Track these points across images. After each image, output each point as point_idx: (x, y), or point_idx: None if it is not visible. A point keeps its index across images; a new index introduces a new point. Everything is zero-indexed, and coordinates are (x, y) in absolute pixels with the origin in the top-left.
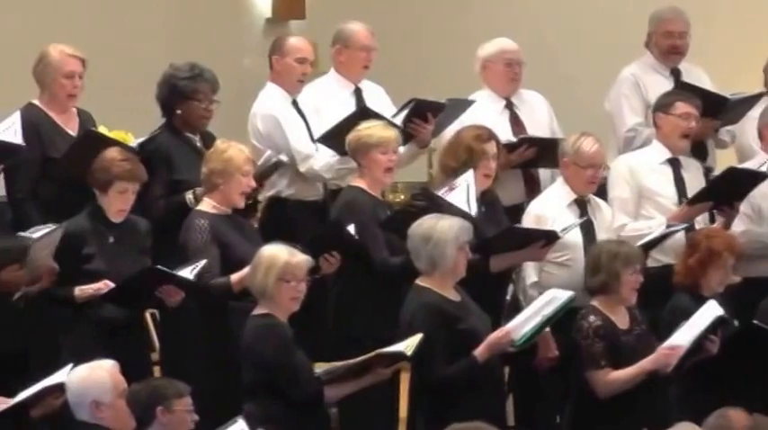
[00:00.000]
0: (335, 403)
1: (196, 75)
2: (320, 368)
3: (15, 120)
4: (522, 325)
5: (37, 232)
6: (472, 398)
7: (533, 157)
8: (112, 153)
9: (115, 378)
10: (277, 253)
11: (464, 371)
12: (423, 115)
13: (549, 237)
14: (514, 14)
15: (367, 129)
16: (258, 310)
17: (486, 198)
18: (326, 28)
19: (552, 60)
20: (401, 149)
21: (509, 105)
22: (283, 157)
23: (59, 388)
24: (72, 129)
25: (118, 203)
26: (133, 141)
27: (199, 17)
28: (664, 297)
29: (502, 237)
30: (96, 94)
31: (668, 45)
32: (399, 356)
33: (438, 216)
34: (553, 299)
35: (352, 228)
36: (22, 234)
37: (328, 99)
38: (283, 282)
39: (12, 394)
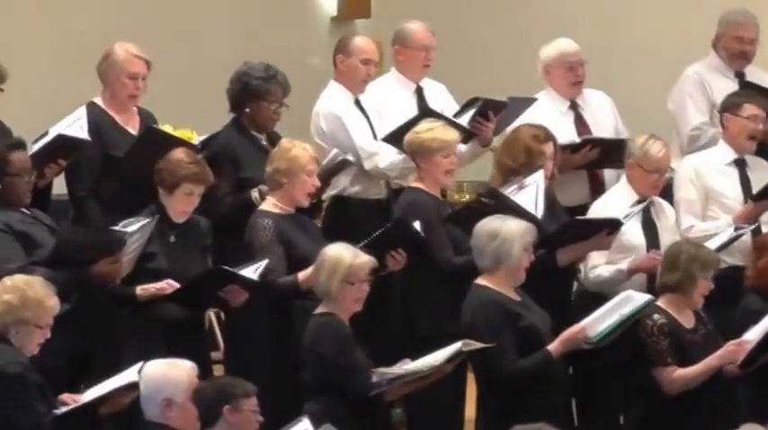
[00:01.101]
0: (401, 403)
1: (270, 76)
2: (377, 373)
3: (81, 114)
4: (597, 322)
5: (130, 226)
6: (538, 398)
7: (597, 158)
8: (180, 154)
9: (192, 379)
10: (341, 254)
11: (537, 365)
12: (485, 113)
13: (613, 225)
14: (576, 12)
15: (427, 131)
16: (320, 309)
17: (545, 198)
18: (392, 27)
19: (614, 59)
20: (463, 148)
21: (573, 106)
22: (349, 157)
23: (131, 387)
24: (133, 128)
25: (182, 205)
26: (196, 139)
27: (264, 16)
28: (730, 299)
29: (565, 231)
30: (163, 92)
31: (738, 50)
32: (456, 355)
33: (505, 217)
34: (630, 299)
35: (417, 225)
36: (114, 227)
37: (390, 98)
38: (347, 283)
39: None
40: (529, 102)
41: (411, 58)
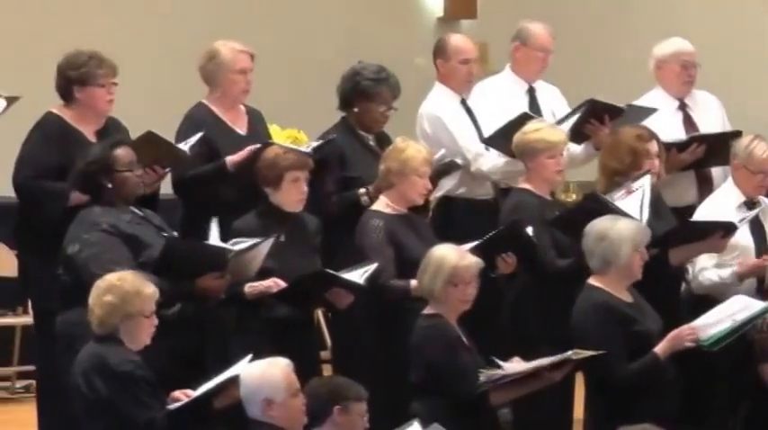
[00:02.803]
0: (509, 403)
1: (381, 78)
2: (484, 374)
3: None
4: (710, 325)
5: (238, 244)
6: (647, 400)
7: (704, 156)
8: (274, 150)
9: (289, 377)
10: (446, 255)
11: (646, 368)
12: (600, 116)
13: (728, 228)
14: (689, 14)
15: (534, 132)
16: (427, 310)
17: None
18: (498, 27)
19: (721, 60)
20: (577, 149)
21: (682, 106)
22: (458, 159)
23: (237, 379)
24: (241, 128)
25: (294, 193)
26: (308, 143)
27: (371, 16)
28: None
29: (679, 232)
30: (269, 91)
31: None
32: (565, 361)
33: (616, 217)
34: (746, 305)
35: (530, 230)
36: (222, 245)
37: (501, 97)
38: (451, 285)
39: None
40: (648, 112)
41: (529, 57)
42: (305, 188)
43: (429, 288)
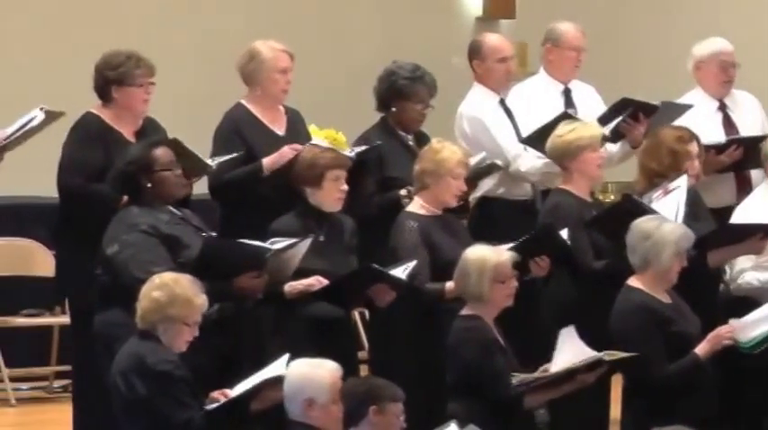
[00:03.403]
0: (545, 404)
1: (417, 77)
2: (517, 377)
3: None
4: (751, 327)
5: (277, 243)
6: (688, 400)
7: (741, 159)
8: (311, 150)
9: (335, 381)
10: (485, 255)
11: (686, 369)
12: (635, 115)
13: (767, 230)
14: (729, 13)
15: (571, 132)
16: (465, 311)
17: (688, 196)
18: (537, 27)
19: (762, 61)
20: (613, 149)
21: (722, 107)
22: (498, 161)
23: (278, 380)
24: (279, 128)
25: (334, 192)
26: (350, 148)
27: (410, 16)
28: None
29: (719, 233)
30: (308, 92)
31: None
32: (596, 364)
33: (663, 218)
34: None
35: (564, 233)
36: (260, 244)
37: (537, 98)
38: (497, 283)
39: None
40: (683, 108)
41: (561, 57)
42: (345, 186)
43: (476, 290)
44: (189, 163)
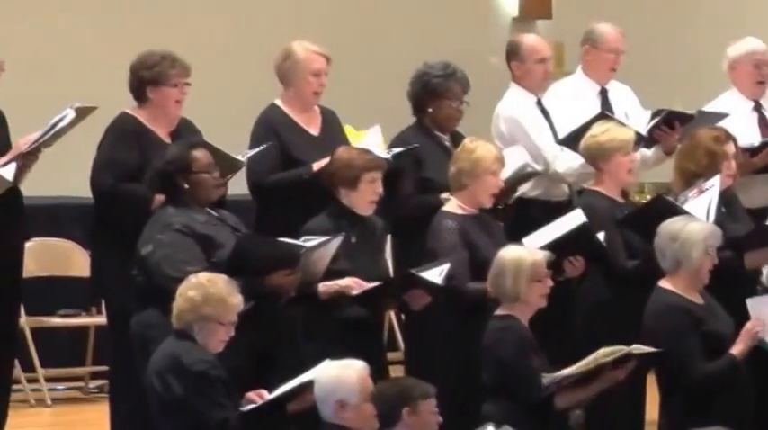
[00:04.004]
0: (580, 405)
1: (449, 74)
2: (546, 377)
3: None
4: None
5: (309, 241)
6: (725, 400)
7: None
8: (347, 151)
9: (364, 381)
10: (520, 255)
11: (723, 370)
12: (670, 123)
13: None
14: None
15: (604, 133)
16: (500, 311)
17: (725, 197)
18: (573, 28)
19: None
20: (648, 153)
21: (757, 107)
22: (538, 167)
23: (312, 384)
24: (314, 129)
25: (369, 194)
26: (388, 149)
27: (446, 17)
28: None
29: (755, 235)
30: (342, 92)
31: None
32: (627, 358)
33: (688, 218)
34: None
35: (601, 235)
36: (294, 242)
37: (574, 99)
38: (534, 282)
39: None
40: (719, 117)
41: (599, 59)
42: (380, 189)
43: (513, 290)
44: (220, 162)
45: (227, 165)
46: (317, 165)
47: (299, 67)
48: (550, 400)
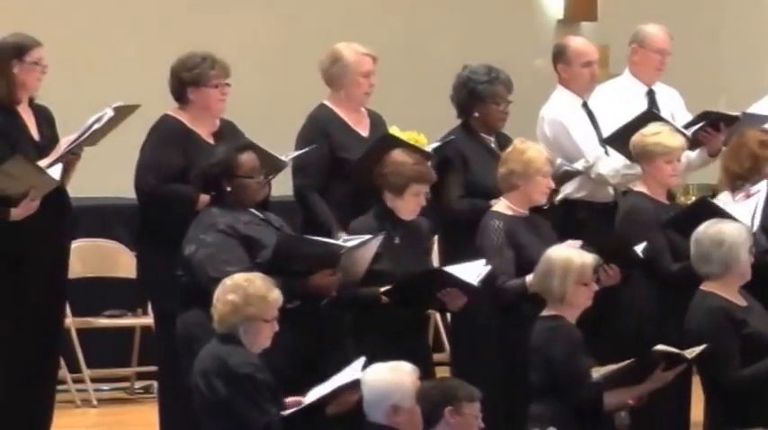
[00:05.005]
0: (627, 407)
1: (493, 78)
2: (597, 372)
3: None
4: None
5: (350, 241)
6: (762, 404)
7: None
8: (403, 156)
9: (415, 383)
10: (569, 256)
11: (763, 372)
12: (715, 124)
13: None
14: None
15: (653, 135)
16: (547, 312)
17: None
18: (618, 29)
19: None
20: (692, 155)
21: None
22: (578, 165)
23: (354, 385)
24: (363, 130)
25: (412, 205)
26: (427, 144)
27: (491, 17)
28: None
29: None
30: (388, 94)
31: None
32: (678, 358)
33: (722, 221)
34: None
35: (640, 248)
36: (334, 241)
37: (621, 100)
38: (581, 285)
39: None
40: (764, 119)
41: (646, 59)
42: (423, 202)
43: (560, 291)
44: (264, 162)
45: (270, 165)
46: None
47: (349, 70)
48: (600, 401)
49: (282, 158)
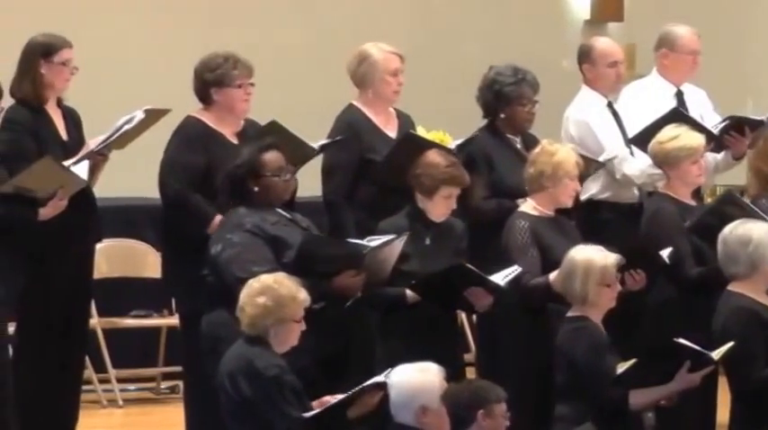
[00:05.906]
0: (652, 407)
1: (520, 79)
2: (621, 367)
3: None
4: None
5: (374, 241)
6: None
7: None
8: (437, 158)
9: (442, 384)
10: (592, 257)
11: None
12: (740, 128)
13: None
14: None
15: (672, 140)
16: (573, 312)
17: None
18: (645, 30)
19: None
20: (717, 157)
21: None
22: (600, 158)
23: (379, 386)
24: (391, 131)
25: (442, 208)
26: (451, 142)
27: (518, 18)
28: None
29: None
30: (414, 94)
31: None
32: (706, 360)
33: (747, 220)
34: None
35: (666, 253)
36: (357, 241)
37: (650, 101)
38: (603, 286)
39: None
40: None
41: (678, 62)
42: (454, 205)
43: (581, 293)
44: (291, 147)
45: (300, 152)
46: None
47: (377, 69)
48: (625, 402)
49: (312, 145)
